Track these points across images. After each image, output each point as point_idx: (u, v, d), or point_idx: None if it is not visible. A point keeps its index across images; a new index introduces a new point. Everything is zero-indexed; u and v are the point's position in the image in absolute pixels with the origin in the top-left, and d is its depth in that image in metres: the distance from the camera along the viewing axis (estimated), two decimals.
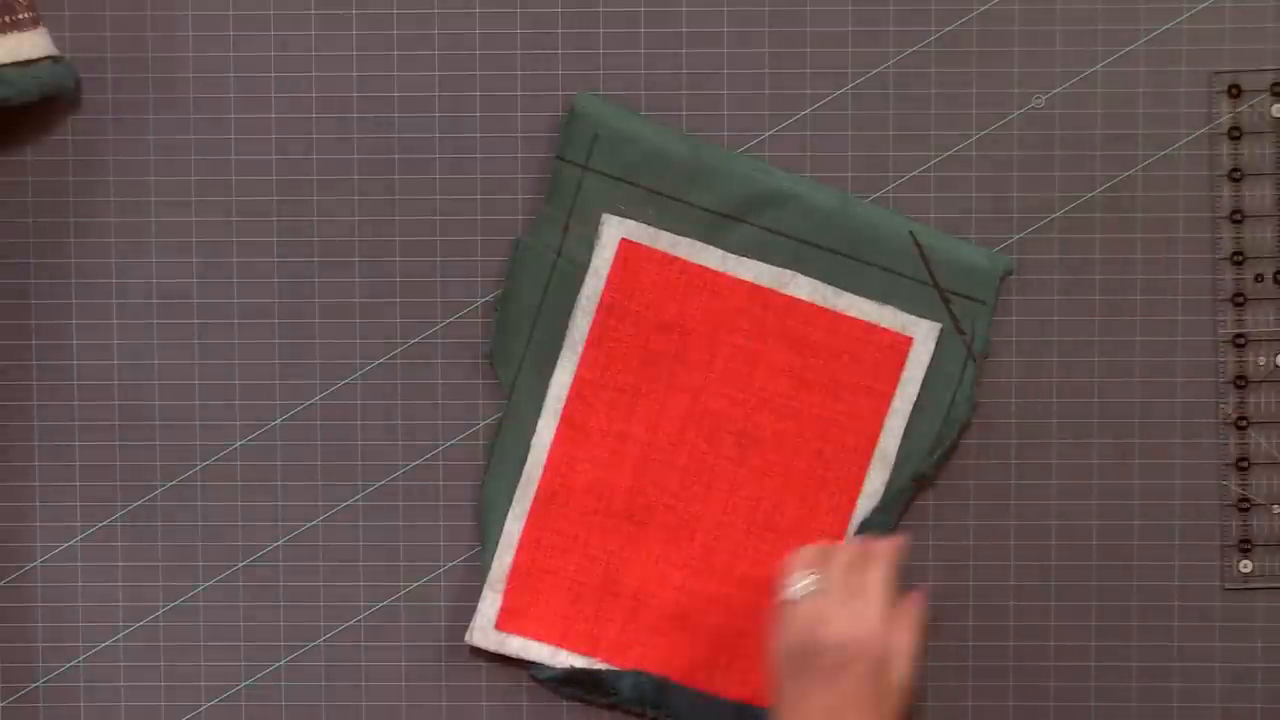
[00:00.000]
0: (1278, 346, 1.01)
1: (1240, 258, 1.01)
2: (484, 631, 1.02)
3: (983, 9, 1.01)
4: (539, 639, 1.02)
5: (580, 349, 1.01)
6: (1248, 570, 1.02)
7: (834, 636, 0.92)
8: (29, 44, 0.98)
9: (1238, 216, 1.01)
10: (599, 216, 1.01)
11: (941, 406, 1.01)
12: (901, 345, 1.01)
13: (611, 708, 1.03)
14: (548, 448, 1.02)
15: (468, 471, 1.03)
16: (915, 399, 1.01)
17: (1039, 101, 1.01)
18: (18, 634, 1.03)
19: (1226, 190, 1.01)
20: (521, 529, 1.02)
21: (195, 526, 1.03)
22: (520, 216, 1.02)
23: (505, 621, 1.02)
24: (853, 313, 1.01)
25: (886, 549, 0.96)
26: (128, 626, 1.03)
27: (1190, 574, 1.02)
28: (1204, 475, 1.02)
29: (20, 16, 0.98)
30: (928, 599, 0.99)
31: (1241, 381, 1.01)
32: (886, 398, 1.01)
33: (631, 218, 1.01)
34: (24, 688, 1.03)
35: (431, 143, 1.02)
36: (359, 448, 1.03)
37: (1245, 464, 1.01)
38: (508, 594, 1.02)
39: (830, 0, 1.01)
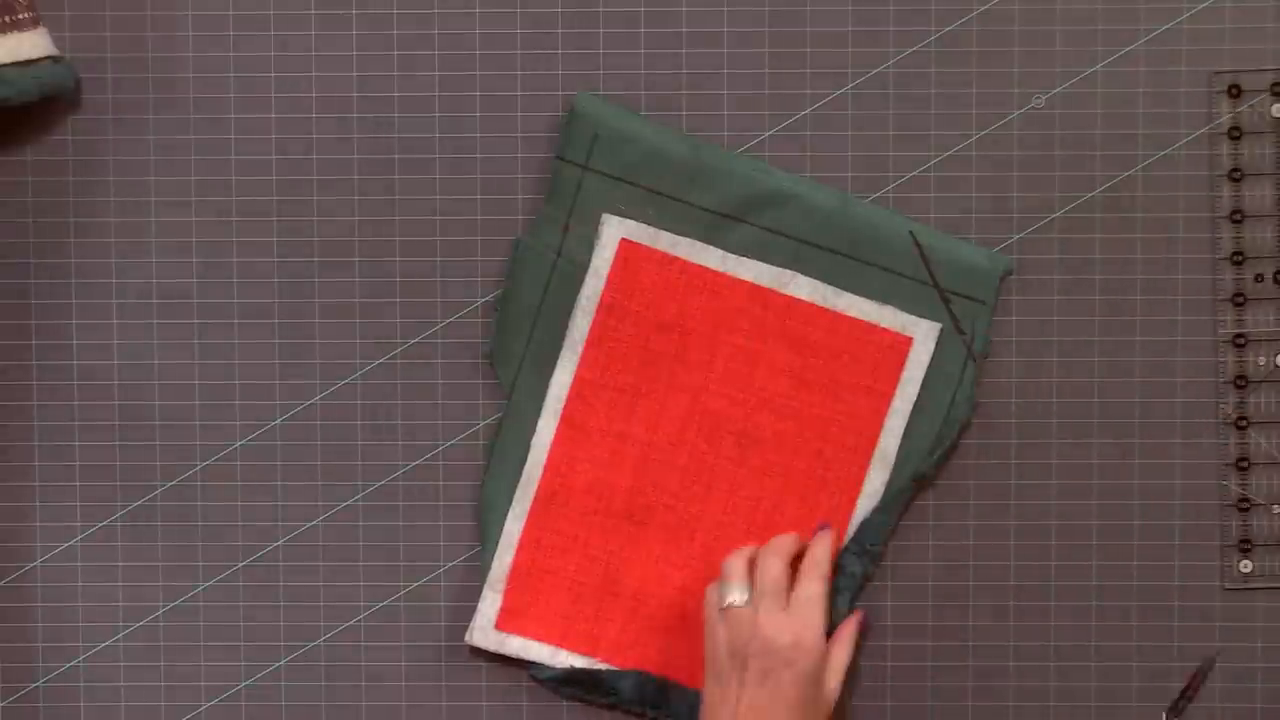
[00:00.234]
0: (1278, 346, 1.01)
1: (1240, 258, 1.01)
2: (484, 631, 1.02)
3: (983, 9, 1.01)
4: (539, 639, 1.02)
5: (580, 349, 1.01)
6: (1248, 570, 1.02)
7: (771, 641, 0.93)
8: (29, 44, 0.98)
9: (1238, 216, 1.01)
10: (599, 216, 1.01)
11: (941, 406, 1.01)
12: (901, 345, 1.01)
13: (611, 708, 1.03)
14: (548, 448, 1.02)
15: (468, 471, 1.03)
16: (915, 399, 1.01)
17: (1039, 101, 1.01)
18: (18, 634, 1.03)
19: (1226, 190, 1.01)
20: (521, 529, 1.02)
21: (195, 526, 1.03)
22: (520, 216, 1.02)
23: (505, 621, 1.02)
24: (853, 313, 1.00)
25: (822, 560, 0.97)
26: (128, 626, 1.03)
27: (1190, 574, 1.02)
28: (1204, 475, 1.02)
29: (20, 16, 0.98)
30: (866, 623, 1.00)
31: (1241, 381, 1.01)
32: (886, 398, 1.01)
33: (631, 218, 1.01)
34: (24, 688, 1.03)
35: (431, 143, 1.02)
36: (359, 448, 1.03)
37: (1245, 464, 1.01)
38: (508, 594, 1.02)
39: (830, 0, 1.01)
